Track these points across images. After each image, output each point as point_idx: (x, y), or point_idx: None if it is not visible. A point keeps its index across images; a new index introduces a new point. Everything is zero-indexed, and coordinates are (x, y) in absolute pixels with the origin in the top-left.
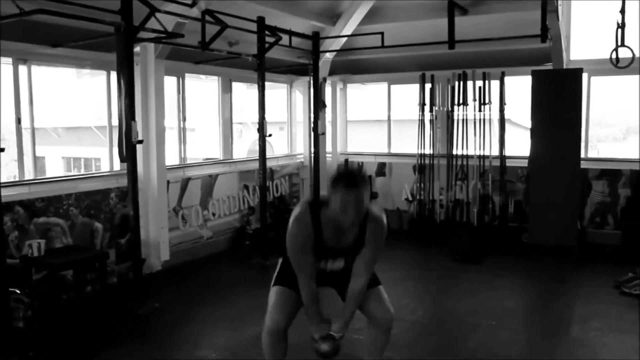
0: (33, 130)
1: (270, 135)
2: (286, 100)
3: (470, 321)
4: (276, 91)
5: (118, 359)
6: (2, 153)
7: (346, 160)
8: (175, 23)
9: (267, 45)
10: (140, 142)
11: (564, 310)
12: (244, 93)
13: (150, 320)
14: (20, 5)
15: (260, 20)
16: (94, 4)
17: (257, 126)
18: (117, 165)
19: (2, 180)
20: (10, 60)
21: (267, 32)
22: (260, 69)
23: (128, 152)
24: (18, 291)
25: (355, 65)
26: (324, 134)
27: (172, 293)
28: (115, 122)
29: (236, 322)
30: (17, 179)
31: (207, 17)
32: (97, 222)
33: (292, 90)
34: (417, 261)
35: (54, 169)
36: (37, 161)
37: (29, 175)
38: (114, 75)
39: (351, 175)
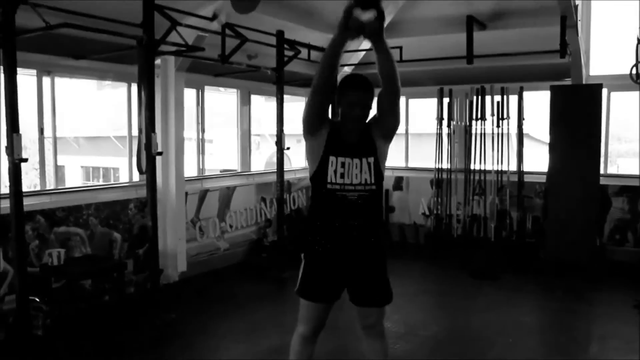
0: (55, 140)
1: (288, 148)
2: None
3: (487, 338)
4: (294, 104)
5: None
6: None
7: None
8: (195, 36)
9: (286, 58)
10: (160, 154)
11: (582, 328)
12: (262, 105)
13: (167, 331)
14: (46, 19)
15: (280, 34)
16: (116, 17)
17: (274, 139)
18: (136, 176)
19: (23, 189)
20: (34, 71)
21: (286, 46)
22: (279, 82)
23: (148, 163)
24: (37, 299)
25: (373, 80)
26: None
27: (189, 304)
28: (135, 133)
29: (252, 335)
30: (38, 189)
31: (227, 31)
32: (116, 232)
33: None
34: (433, 276)
35: (73, 178)
36: (57, 170)
37: (50, 184)
38: (134, 87)
39: (359, 79)
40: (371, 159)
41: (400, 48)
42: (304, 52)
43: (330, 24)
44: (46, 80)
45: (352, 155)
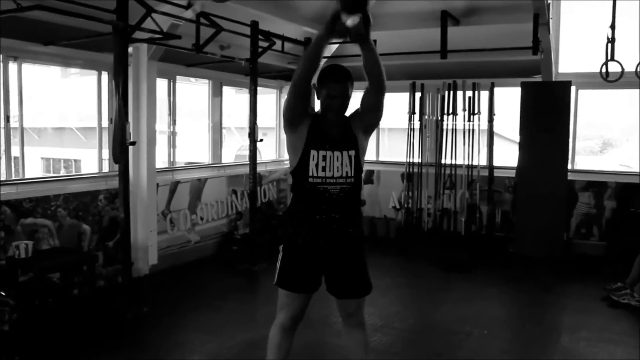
0: (22, 129)
1: (261, 140)
2: (275, 106)
3: (461, 330)
4: (264, 96)
5: None
6: None
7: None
8: (169, 24)
9: (260, 49)
10: (133, 143)
11: (553, 320)
12: (233, 97)
13: (139, 324)
14: (18, 2)
15: (254, 25)
16: (90, 2)
17: (241, 131)
18: (105, 167)
19: None
20: (0, 56)
21: (260, 37)
22: (253, 73)
23: (122, 153)
24: (3, 293)
25: (354, 72)
26: None
27: (160, 297)
28: (105, 123)
29: (225, 328)
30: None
31: (202, 20)
32: (85, 224)
33: (281, 96)
34: (405, 269)
35: (33, 170)
36: (15, 162)
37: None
38: (104, 75)
39: (338, 71)
40: (352, 152)
41: (374, 42)
42: (278, 44)
43: (304, 15)
44: (13, 67)
45: (333, 148)
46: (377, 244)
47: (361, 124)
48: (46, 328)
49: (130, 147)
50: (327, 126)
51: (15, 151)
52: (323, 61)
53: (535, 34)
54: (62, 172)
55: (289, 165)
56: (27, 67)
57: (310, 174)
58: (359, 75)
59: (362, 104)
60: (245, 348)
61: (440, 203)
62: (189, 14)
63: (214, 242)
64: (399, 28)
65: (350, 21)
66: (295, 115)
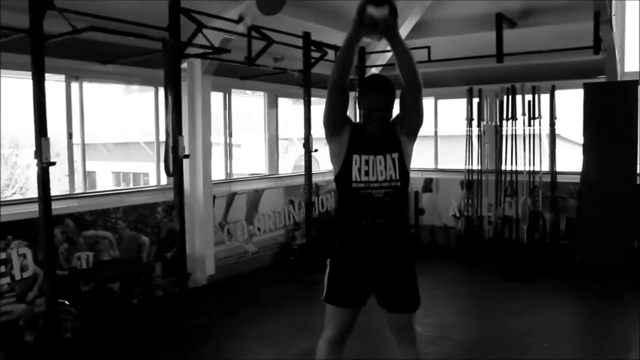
0: (84, 145)
1: (316, 150)
2: None
3: (522, 341)
4: (322, 106)
5: None
6: (54, 167)
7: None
8: (221, 39)
9: (312, 60)
10: (187, 156)
11: (622, 333)
12: (290, 109)
13: (195, 335)
14: (73, 24)
15: (306, 36)
16: (142, 20)
17: (302, 142)
18: (164, 180)
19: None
20: (63, 77)
21: (312, 48)
22: (307, 84)
23: (175, 166)
24: (67, 302)
25: (396, 81)
26: None
27: (217, 308)
28: (162, 137)
29: (281, 338)
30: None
31: (254, 33)
32: (144, 236)
33: None
34: (464, 279)
35: (104, 183)
36: (88, 176)
37: (79, 189)
38: (161, 91)
39: (379, 82)
40: (395, 155)
41: (428, 48)
42: (331, 54)
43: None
44: (74, 86)
45: (375, 152)
46: (437, 253)
47: (404, 127)
48: (106, 336)
49: (186, 160)
50: (368, 133)
51: (79, 166)
52: (378, 70)
53: (596, 32)
54: (131, 186)
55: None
56: (92, 86)
57: (353, 178)
58: (399, 82)
59: (400, 106)
60: (300, 358)
61: (502, 211)
62: (241, 28)
63: (272, 253)
64: (454, 33)
65: (378, 12)
66: (335, 122)
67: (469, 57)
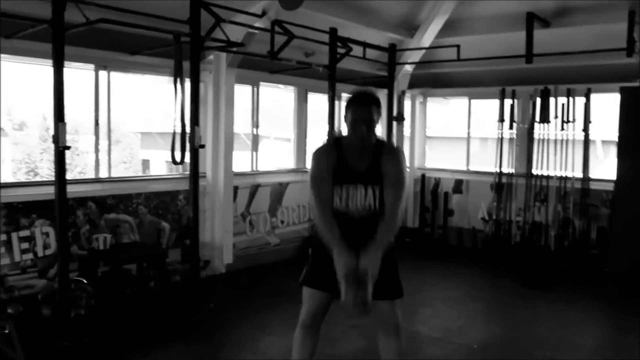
0: (109, 133)
1: None
2: None
3: (524, 350)
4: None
5: (164, 354)
6: (114, 154)
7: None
8: (245, 33)
9: (338, 56)
10: (202, 146)
11: (636, 350)
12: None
13: (203, 320)
14: (95, 16)
15: (333, 31)
16: (163, 13)
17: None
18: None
19: (86, 177)
20: (92, 66)
21: (339, 44)
22: (332, 79)
23: (191, 156)
24: (85, 281)
25: (436, 79)
26: None
27: (231, 295)
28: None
29: (287, 328)
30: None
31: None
32: (165, 222)
33: None
34: (484, 282)
35: (159, 170)
36: (143, 164)
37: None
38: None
39: (362, 94)
40: (377, 188)
41: (458, 47)
42: (358, 50)
43: (387, 21)
44: (113, 75)
45: (356, 181)
46: (462, 256)
47: (384, 175)
48: (118, 315)
49: (209, 150)
50: (354, 155)
51: (143, 154)
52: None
53: (630, 33)
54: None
55: None
56: (137, 78)
57: (335, 205)
58: (432, 80)
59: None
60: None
61: (531, 216)
62: (264, 22)
63: (294, 246)
64: (484, 32)
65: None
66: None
67: (496, 57)
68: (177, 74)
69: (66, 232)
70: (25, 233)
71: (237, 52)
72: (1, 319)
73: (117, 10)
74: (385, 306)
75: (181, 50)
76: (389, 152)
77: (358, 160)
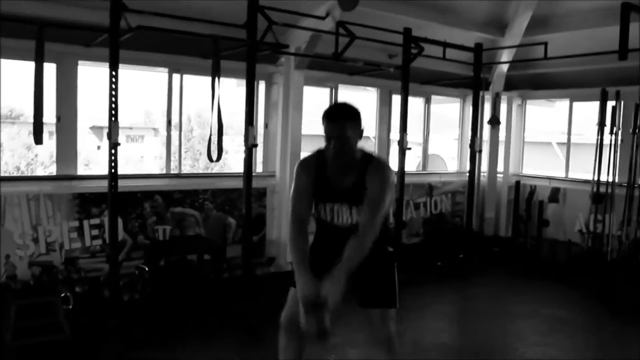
0: (180, 132)
1: (409, 148)
2: (459, 115)
3: None
4: (449, 105)
5: (203, 349)
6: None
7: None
8: (310, 35)
9: (411, 56)
10: (255, 146)
11: None
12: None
13: (249, 315)
14: (154, 23)
15: (407, 32)
16: (221, 19)
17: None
18: (259, 168)
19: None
20: (166, 70)
21: (412, 45)
22: (405, 80)
23: (247, 156)
24: (146, 268)
25: (533, 80)
26: (481, 151)
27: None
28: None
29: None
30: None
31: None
32: (231, 218)
33: (465, 105)
34: (562, 300)
35: (238, 167)
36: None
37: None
38: (263, 85)
39: (335, 109)
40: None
41: (545, 44)
42: (437, 51)
43: (474, 21)
44: (176, 77)
45: (340, 200)
46: (551, 270)
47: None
48: (173, 303)
49: (278, 151)
50: (336, 171)
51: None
52: None
53: None
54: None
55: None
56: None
57: (321, 216)
58: (528, 81)
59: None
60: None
61: (633, 231)
62: (329, 24)
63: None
64: (574, 28)
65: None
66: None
67: (585, 54)
68: (215, 74)
69: (116, 221)
70: (95, 221)
71: (296, 54)
72: (64, 297)
73: (180, 19)
74: (375, 315)
75: (219, 52)
76: (374, 169)
77: (341, 175)
